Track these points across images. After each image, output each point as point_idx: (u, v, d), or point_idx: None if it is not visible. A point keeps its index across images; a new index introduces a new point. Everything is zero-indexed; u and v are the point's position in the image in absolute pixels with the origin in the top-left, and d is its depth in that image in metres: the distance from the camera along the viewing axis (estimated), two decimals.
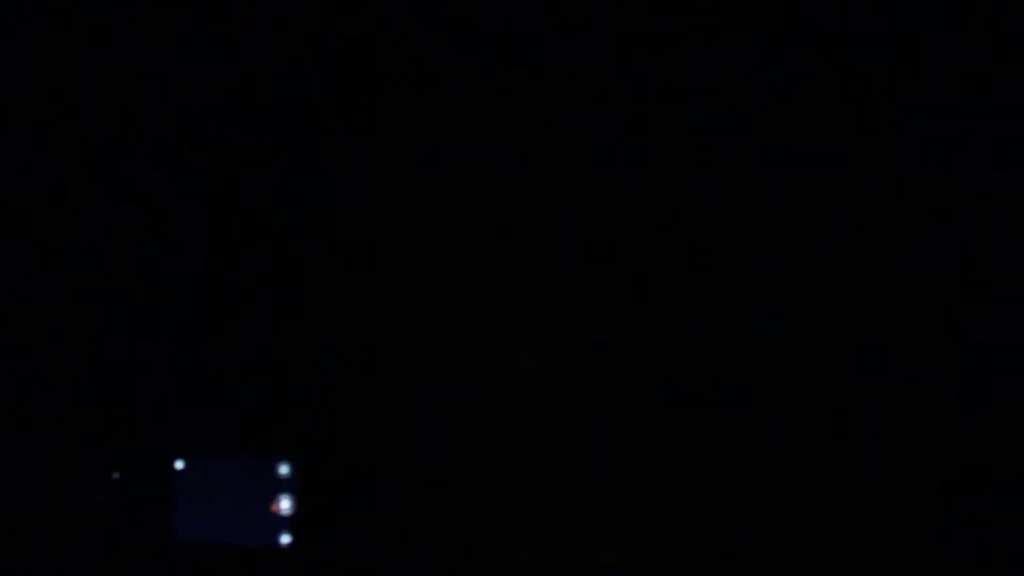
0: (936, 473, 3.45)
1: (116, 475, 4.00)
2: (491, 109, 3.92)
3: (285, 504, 3.98)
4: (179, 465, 4.01)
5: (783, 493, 3.60)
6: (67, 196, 4.15)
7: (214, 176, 4.12)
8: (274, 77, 4.00)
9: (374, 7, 3.82)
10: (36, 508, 4.05)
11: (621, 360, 3.75)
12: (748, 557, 3.59)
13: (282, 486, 3.99)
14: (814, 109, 3.64)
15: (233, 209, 4.10)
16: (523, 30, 3.83)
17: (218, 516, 3.99)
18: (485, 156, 3.93)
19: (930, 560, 3.42)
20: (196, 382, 4.08)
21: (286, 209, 4.07)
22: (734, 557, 3.60)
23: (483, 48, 3.90)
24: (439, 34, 3.90)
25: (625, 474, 3.69)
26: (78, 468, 4.04)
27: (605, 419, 3.72)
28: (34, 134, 4.14)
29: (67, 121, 4.13)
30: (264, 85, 4.01)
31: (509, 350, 3.88)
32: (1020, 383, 3.40)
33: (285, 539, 3.96)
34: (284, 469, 4.00)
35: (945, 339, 3.49)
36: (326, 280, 4.07)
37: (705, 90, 3.72)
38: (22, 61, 4.11)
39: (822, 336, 3.58)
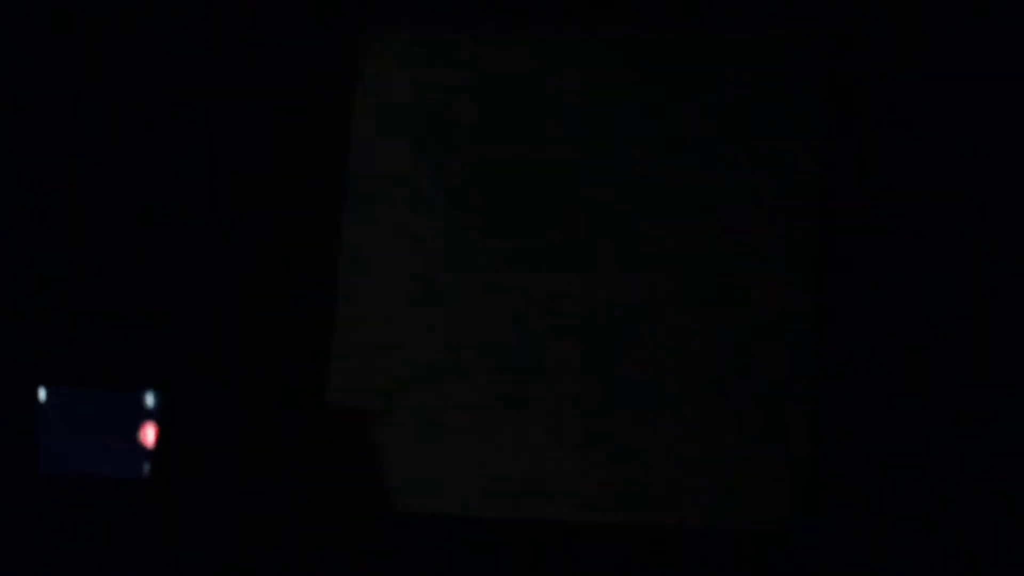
0: None
1: None
2: None
3: (150, 435, 3.96)
4: (42, 395, 3.97)
5: None
6: None
7: None
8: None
9: None
10: None
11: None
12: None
13: (147, 416, 3.97)
14: None
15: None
16: None
17: (82, 447, 3.95)
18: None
19: None
20: (60, 311, 4.06)
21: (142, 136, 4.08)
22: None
23: None
24: None
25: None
26: None
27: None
28: None
29: None
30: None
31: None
32: None
33: (147, 470, 3.94)
34: (150, 399, 3.97)
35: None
36: (194, 206, 4.07)
37: None
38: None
39: None
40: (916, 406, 3.49)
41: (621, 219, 3.80)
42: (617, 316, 3.76)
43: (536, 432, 3.74)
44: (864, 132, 3.65)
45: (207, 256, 4.03)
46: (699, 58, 3.82)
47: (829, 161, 3.62)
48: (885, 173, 3.62)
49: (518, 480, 3.72)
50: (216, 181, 4.05)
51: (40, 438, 3.95)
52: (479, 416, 3.78)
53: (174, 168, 4.08)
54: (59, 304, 4.07)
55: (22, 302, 4.07)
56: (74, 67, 4.14)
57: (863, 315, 3.55)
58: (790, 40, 3.73)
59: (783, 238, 3.68)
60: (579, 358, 3.76)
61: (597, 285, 3.79)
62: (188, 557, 3.80)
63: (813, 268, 3.65)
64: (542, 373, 3.77)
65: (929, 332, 3.54)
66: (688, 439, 3.67)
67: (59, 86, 4.15)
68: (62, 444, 3.96)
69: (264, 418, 3.87)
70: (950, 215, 3.55)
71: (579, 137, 3.88)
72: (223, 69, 4.06)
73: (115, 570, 3.84)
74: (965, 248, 3.53)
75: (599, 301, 3.78)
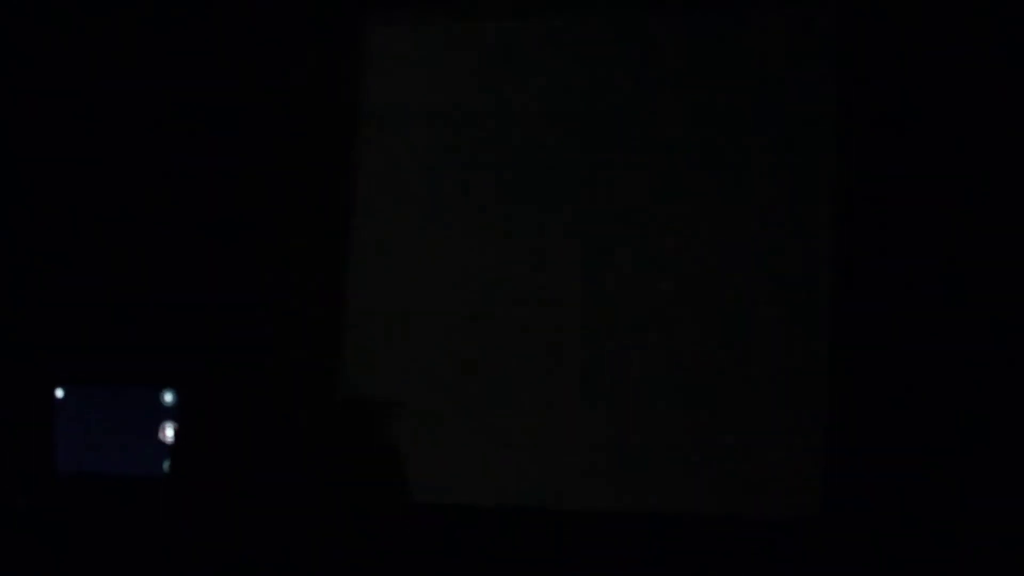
0: None
1: None
2: None
3: (169, 432, 3.91)
4: (59, 394, 3.93)
5: None
6: None
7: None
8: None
9: None
10: None
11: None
12: None
13: (166, 414, 3.93)
14: None
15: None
16: None
17: (100, 445, 3.91)
18: None
19: None
20: (79, 310, 4.03)
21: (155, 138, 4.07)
22: None
23: None
24: None
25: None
26: None
27: None
28: None
29: None
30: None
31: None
32: None
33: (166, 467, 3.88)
34: (168, 397, 3.93)
35: None
36: (207, 204, 4.05)
37: None
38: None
39: None
40: (932, 397, 3.46)
41: (629, 212, 3.79)
42: (627, 306, 3.74)
43: (549, 422, 3.72)
44: (878, 125, 3.63)
45: (220, 253, 4.02)
46: (706, 46, 3.81)
47: (843, 154, 3.60)
48: (900, 164, 3.60)
49: (530, 470, 3.68)
50: (226, 179, 4.04)
51: (57, 437, 3.91)
52: (492, 407, 3.76)
53: (186, 167, 4.07)
54: (75, 303, 4.05)
55: (36, 301, 4.05)
56: (77, 67, 4.14)
57: (879, 303, 3.52)
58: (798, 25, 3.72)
59: (797, 230, 3.66)
60: (587, 349, 3.75)
61: (605, 275, 3.77)
62: (208, 553, 3.74)
63: (829, 256, 3.63)
64: (553, 364, 3.75)
65: (945, 322, 3.51)
66: (702, 429, 3.65)
67: (63, 86, 4.14)
68: (79, 443, 3.92)
69: (281, 413, 3.83)
70: (964, 207, 3.53)
71: (585, 129, 3.88)
72: (229, 68, 4.06)
73: (134, 568, 3.78)
74: (980, 239, 3.51)
75: (607, 292, 3.76)
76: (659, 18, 3.82)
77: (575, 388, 3.76)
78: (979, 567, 3.36)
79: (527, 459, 3.73)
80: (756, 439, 3.58)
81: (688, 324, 3.73)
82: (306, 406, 3.88)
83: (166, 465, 3.92)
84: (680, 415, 3.66)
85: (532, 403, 3.75)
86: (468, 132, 3.94)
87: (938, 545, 3.39)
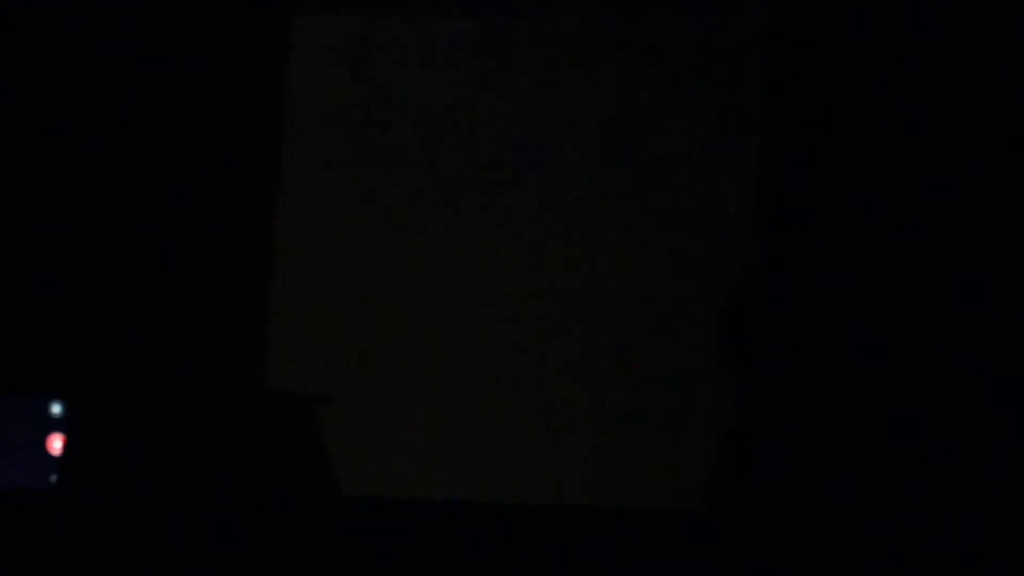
0: None
1: None
2: None
3: (57, 444, 3.78)
4: None
5: None
6: None
7: None
8: None
9: None
10: None
11: None
12: None
13: (54, 426, 3.79)
14: None
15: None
16: None
17: None
18: None
19: None
20: None
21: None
22: None
23: None
24: None
25: None
26: None
27: None
28: None
29: None
30: None
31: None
32: None
33: (53, 479, 3.76)
34: (56, 408, 3.80)
35: None
36: (98, 210, 3.94)
37: None
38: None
39: None
40: (852, 382, 3.51)
41: (556, 204, 3.82)
42: (544, 298, 3.77)
43: (480, 414, 3.72)
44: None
45: (132, 247, 3.89)
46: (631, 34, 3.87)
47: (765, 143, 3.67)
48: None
49: (461, 462, 3.67)
50: (147, 169, 3.92)
51: None
52: (422, 399, 3.75)
53: (100, 155, 3.93)
54: None
55: None
56: None
57: (797, 288, 3.57)
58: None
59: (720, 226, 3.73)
60: (510, 335, 3.77)
61: (529, 269, 3.80)
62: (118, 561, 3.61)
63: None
64: (482, 357, 3.76)
65: (848, 320, 3.57)
66: (612, 419, 3.69)
67: None
68: None
69: (201, 410, 3.75)
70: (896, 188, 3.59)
71: (498, 124, 3.90)
72: (149, 57, 3.96)
73: None
74: (889, 242, 3.58)
75: (532, 285, 3.79)
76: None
77: (496, 381, 3.77)
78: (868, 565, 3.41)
79: (453, 452, 3.71)
80: (668, 429, 3.64)
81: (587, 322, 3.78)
82: (228, 403, 3.81)
83: (54, 478, 3.79)
84: (582, 406, 3.71)
85: (457, 395, 3.74)
86: (395, 126, 3.93)
87: (828, 542, 3.43)
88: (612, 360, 3.73)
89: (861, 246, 3.59)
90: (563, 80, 3.88)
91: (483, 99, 3.89)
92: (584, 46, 3.88)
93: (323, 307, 3.84)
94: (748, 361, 3.57)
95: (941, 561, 3.37)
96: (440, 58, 3.92)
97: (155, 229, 3.86)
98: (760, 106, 3.64)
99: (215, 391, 3.75)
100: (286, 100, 3.90)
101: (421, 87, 3.92)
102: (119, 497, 3.71)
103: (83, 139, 3.90)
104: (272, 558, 3.56)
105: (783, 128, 3.60)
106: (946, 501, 3.45)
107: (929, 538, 3.42)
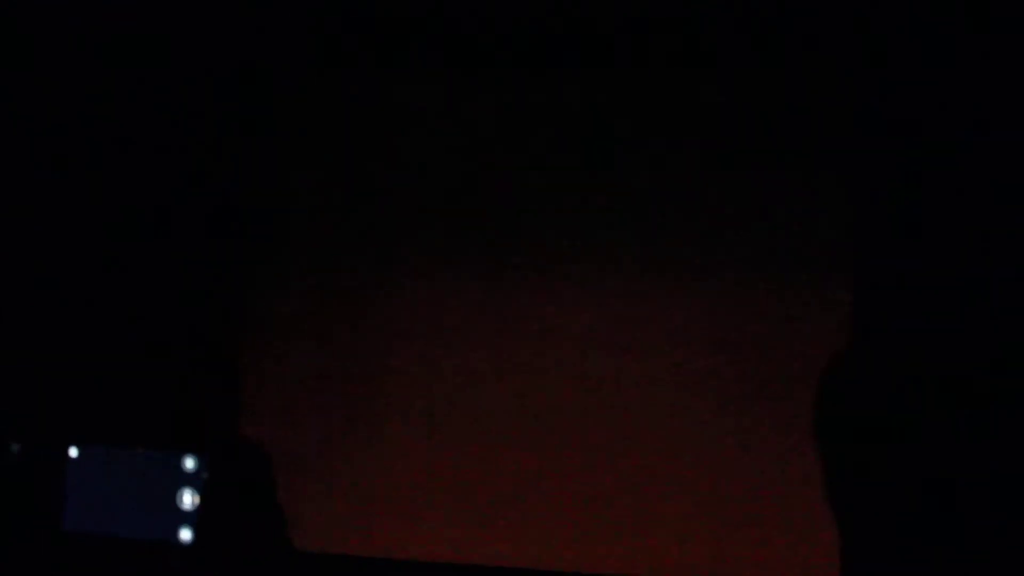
0: None
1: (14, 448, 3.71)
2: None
3: (188, 499, 3.73)
4: (73, 453, 3.74)
5: None
6: None
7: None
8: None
9: None
10: None
11: None
12: None
13: (186, 480, 3.75)
14: None
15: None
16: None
17: (113, 508, 3.71)
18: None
19: None
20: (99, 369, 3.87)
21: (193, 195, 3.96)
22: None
23: None
24: None
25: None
26: None
27: None
28: None
29: None
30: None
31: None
32: None
33: (186, 535, 3.70)
34: (190, 463, 3.76)
35: None
36: (238, 267, 3.95)
37: None
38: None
39: None
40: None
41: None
42: None
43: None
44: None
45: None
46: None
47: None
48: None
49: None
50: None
51: (67, 495, 3.72)
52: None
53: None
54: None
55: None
56: None
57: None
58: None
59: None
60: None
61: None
62: None
63: None
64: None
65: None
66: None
67: None
68: (90, 502, 3.73)
69: None
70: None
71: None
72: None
73: None
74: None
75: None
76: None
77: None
78: None
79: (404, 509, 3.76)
80: None
81: None
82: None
83: (184, 532, 3.74)
84: None
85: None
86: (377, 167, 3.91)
87: None
88: None
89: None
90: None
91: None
92: None
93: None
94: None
95: None
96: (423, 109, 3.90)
97: None
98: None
99: None
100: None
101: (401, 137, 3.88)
102: (249, 552, 3.66)
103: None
104: None
105: None
106: None
107: None
